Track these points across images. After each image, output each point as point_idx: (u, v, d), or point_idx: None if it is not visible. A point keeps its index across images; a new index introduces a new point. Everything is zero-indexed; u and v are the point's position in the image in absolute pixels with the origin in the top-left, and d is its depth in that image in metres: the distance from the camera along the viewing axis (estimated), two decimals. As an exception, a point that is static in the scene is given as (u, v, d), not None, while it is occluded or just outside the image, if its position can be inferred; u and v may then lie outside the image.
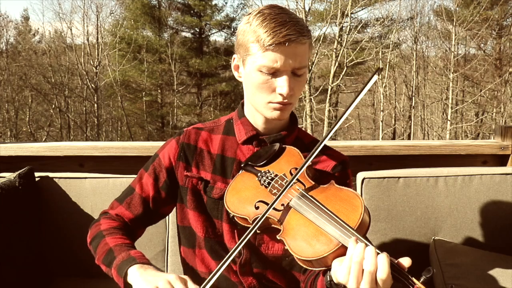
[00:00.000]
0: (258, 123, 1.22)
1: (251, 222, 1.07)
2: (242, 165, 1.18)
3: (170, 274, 0.99)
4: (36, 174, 1.77)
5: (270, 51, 1.07)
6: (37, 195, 1.75)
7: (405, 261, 0.90)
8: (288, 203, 1.04)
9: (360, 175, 1.77)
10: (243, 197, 1.11)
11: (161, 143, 1.98)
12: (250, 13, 1.14)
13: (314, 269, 0.99)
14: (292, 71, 1.11)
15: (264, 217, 1.01)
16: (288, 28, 1.06)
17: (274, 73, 1.10)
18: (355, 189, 1.77)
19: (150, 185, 1.25)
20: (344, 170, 1.24)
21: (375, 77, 1.13)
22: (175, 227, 1.72)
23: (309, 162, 1.08)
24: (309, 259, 0.95)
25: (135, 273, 1.03)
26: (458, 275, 1.61)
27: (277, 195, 1.03)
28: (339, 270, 0.92)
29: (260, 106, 1.16)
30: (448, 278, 1.62)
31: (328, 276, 0.98)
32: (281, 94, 1.11)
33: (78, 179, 1.78)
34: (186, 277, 1.00)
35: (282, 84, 1.10)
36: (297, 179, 1.08)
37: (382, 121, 17.17)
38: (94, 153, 1.93)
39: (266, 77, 1.11)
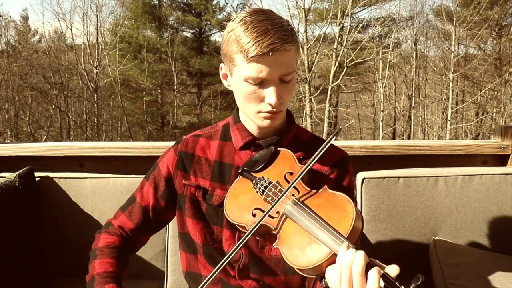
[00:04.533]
0: (253, 129, 1.21)
1: (248, 230, 1.07)
2: (239, 171, 1.18)
3: None
4: (36, 174, 1.77)
5: (254, 62, 1.05)
6: (37, 195, 1.75)
7: (393, 269, 0.89)
8: (283, 211, 1.05)
9: (360, 175, 1.77)
10: (241, 204, 1.12)
11: (161, 143, 2.01)
12: (233, 20, 1.11)
13: (310, 276, 1.01)
14: (280, 78, 1.09)
15: (256, 228, 1.03)
16: (271, 37, 1.02)
17: (261, 83, 1.08)
18: (355, 188, 1.77)
19: (150, 194, 1.26)
20: (343, 167, 1.22)
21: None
22: (175, 227, 1.72)
23: (297, 181, 1.07)
24: (303, 267, 0.96)
25: None
26: (458, 275, 1.61)
27: (270, 206, 1.04)
28: (331, 276, 0.93)
29: (250, 115, 1.15)
30: (448, 278, 1.62)
31: (324, 283, 0.99)
32: (270, 104, 1.09)
33: (78, 179, 1.78)
34: None
35: (270, 94, 1.08)
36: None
37: (382, 121, 17.15)
38: (94, 153, 1.93)
39: (254, 88, 1.09)
